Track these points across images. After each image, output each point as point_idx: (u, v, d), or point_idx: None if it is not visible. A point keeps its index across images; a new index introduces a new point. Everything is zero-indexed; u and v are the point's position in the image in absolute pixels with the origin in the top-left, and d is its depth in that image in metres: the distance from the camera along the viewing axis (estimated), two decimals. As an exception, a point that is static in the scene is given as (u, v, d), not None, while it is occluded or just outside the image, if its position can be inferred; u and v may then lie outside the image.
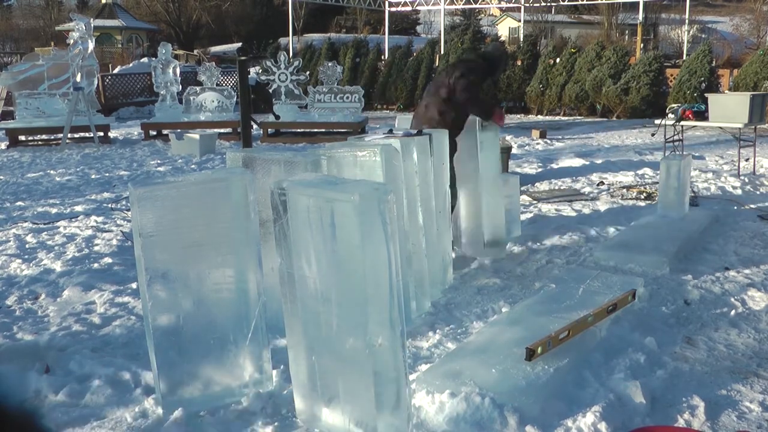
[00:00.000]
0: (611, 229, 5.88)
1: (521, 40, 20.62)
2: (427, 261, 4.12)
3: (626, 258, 4.96)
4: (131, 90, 19.71)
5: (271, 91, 13.24)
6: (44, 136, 13.09)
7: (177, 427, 2.83)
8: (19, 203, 7.62)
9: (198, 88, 13.59)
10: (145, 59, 23.42)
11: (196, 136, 11.09)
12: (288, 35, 24.91)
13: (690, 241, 5.36)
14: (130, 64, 22.68)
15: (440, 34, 22.97)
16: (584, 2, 26.07)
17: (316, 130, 13.40)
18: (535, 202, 7.07)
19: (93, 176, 9.28)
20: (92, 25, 12.96)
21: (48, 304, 4.42)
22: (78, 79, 12.54)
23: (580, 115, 16.70)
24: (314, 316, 2.73)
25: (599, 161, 9.56)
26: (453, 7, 26.08)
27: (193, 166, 10.13)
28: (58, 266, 5.17)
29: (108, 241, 5.83)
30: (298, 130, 13.52)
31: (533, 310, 3.88)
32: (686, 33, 22.29)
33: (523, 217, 6.16)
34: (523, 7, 23.94)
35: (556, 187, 7.86)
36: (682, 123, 8.59)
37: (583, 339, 3.47)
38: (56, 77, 13.14)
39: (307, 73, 13.91)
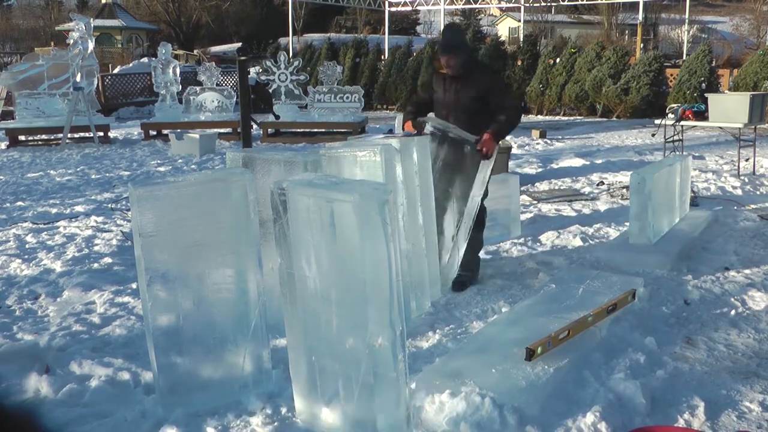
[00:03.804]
0: (611, 229, 5.89)
1: (521, 40, 20.61)
2: (427, 261, 4.11)
3: (626, 258, 4.96)
4: (131, 90, 19.71)
5: (271, 91, 13.23)
6: (44, 136, 13.09)
7: (177, 427, 2.83)
8: (19, 203, 7.62)
9: (198, 88, 13.60)
10: (145, 59, 23.42)
11: (196, 136, 11.08)
12: (288, 35, 24.91)
13: (690, 241, 5.36)
14: (130, 64, 22.68)
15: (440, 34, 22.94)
16: (584, 2, 26.05)
17: (316, 130, 13.40)
18: (535, 202, 7.07)
19: (93, 176, 9.28)
20: (92, 25, 12.98)
21: (48, 304, 4.41)
22: (78, 79, 12.54)
23: (580, 115, 16.70)
24: (314, 316, 2.73)
25: (599, 161, 9.56)
26: (453, 7, 26.07)
27: (193, 166, 10.12)
28: (58, 266, 5.17)
29: (108, 241, 5.83)
30: (298, 130, 13.52)
31: (533, 310, 3.88)
32: (686, 33, 22.28)
33: (523, 217, 6.16)
34: (523, 7, 23.93)
35: (556, 187, 7.86)
36: (682, 123, 8.59)
37: (583, 339, 3.47)
38: (56, 77, 13.13)
39: (308, 71, 13.90)
